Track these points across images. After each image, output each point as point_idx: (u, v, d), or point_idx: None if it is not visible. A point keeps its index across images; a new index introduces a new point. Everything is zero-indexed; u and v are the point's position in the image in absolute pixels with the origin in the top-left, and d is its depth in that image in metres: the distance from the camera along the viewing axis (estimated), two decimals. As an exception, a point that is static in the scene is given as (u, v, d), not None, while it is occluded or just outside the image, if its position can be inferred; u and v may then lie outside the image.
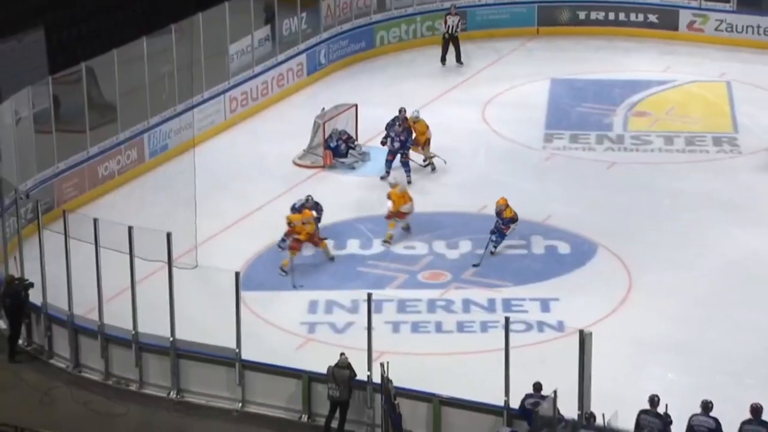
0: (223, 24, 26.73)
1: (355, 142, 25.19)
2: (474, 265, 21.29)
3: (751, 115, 26.82)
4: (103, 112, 24.60)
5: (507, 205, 21.57)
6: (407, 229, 22.33)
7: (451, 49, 29.31)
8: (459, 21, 29.04)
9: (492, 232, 21.54)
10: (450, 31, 28.98)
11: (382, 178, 24.10)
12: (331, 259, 21.57)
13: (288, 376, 17.77)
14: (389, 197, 22.21)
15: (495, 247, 21.56)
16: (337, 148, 24.94)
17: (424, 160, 24.66)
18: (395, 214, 22.11)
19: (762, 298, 20.20)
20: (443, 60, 29.11)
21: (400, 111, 24.44)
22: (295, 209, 21.79)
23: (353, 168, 24.94)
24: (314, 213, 21.50)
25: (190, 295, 19.06)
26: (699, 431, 15.84)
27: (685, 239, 22.01)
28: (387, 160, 24.37)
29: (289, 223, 21.11)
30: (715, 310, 20.01)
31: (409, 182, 23.86)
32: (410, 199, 22.22)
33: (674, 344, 19.09)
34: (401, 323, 19.83)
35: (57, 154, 23.24)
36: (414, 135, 24.35)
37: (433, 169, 24.60)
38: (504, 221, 21.51)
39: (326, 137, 24.96)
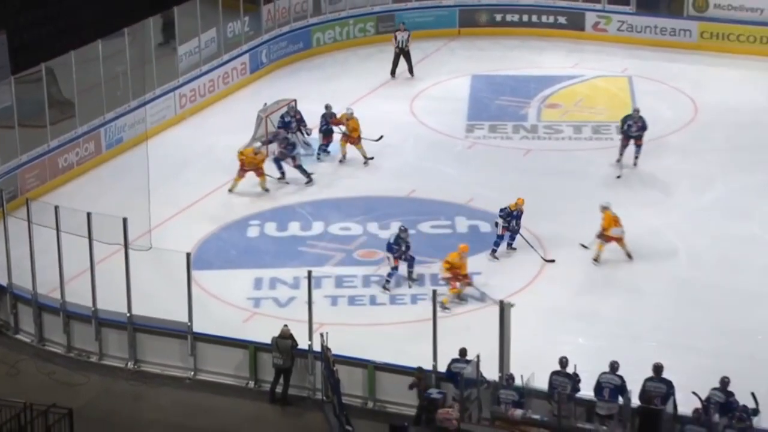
0: (173, 27, 26.41)
1: (306, 126, 24.84)
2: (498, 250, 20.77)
3: (650, 106, 26.81)
4: (63, 108, 24.23)
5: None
6: (629, 256, 20.28)
7: (403, 62, 28.72)
8: (408, 36, 28.39)
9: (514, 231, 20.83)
10: (401, 46, 28.43)
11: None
12: (266, 190, 22.33)
13: (236, 347, 17.64)
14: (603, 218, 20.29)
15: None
16: (289, 124, 24.67)
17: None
18: (603, 236, 20.28)
19: (659, 268, 20.37)
20: (393, 73, 28.50)
21: (326, 107, 24.34)
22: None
23: (297, 150, 24.65)
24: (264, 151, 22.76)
25: (145, 275, 18.80)
26: (606, 387, 15.95)
27: (592, 217, 22.00)
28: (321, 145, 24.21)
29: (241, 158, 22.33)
30: (619, 280, 20.15)
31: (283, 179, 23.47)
32: (620, 224, 20.16)
33: (584, 312, 19.19)
34: (339, 297, 19.74)
35: (20, 147, 22.84)
36: (344, 130, 24.20)
37: (366, 162, 24.46)
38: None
39: (283, 113, 24.63)
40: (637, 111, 23.89)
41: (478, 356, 16.11)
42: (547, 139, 25.80)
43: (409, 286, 19.95)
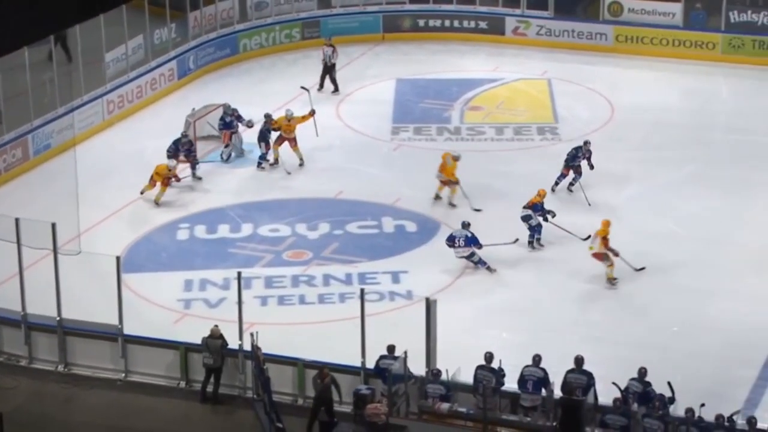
0: (99, 34, 26.10)
1: (245, 120, 24.68)
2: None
3: (569, 108, 27.29)
4: (-11, 115, 23.87)
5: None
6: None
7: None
8: (333, 52, 27.87)
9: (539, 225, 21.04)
10: (326, 61, 28.02)
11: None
12: (157, 204, 22.28)
13: (166, 348, 17.50)
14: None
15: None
16: (230, 124, 24.44)
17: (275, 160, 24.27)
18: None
19: (580, 264, 20.56)
20: (320, 87, 27.88)
21: (265, 116, 24.32)
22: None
23: (230, 157, 24.44)
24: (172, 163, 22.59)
25: (75, 279, 18.54)
26: (529, 380, 16.09)
27: (514, 214, 22.24)
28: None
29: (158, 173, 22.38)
30: (541, 275, 20.33)
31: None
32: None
33: (508, 307, 19.35)
34: (269, 297, 19.66)
35: (-54, 155, 22.45)
36: (279, 133, 24.15)
37: (301, 164, 24.38)
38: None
39: (222, 115, 24.46)
40: (587, 143, 23.19)
41: (405, 352, 16.16)
42: (470, 140, 25.95)
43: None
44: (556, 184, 22.84)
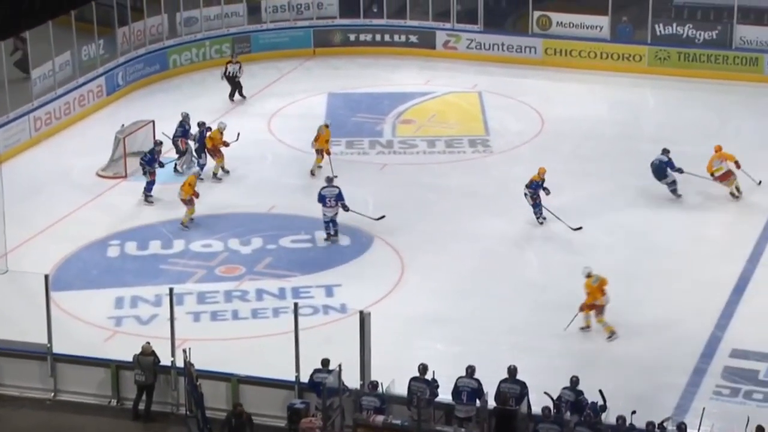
0: (25, 51, 25.80)
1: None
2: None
3: (500, 120, 27.53)
4: None
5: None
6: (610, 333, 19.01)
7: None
8: (240, 68, 28.09)
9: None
10: (230, 75, 27.99)
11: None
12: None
13: (97, 366, 17.29)
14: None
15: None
16: (188, 132, 24.43)
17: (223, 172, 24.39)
18: (589, 307, 18.97)
19: (512, 274, 20.78)
20: (231, 97, 28.17)
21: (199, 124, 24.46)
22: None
23: (180, 173, 24.36)
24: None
25: (2, 298, 18.28)
26: (463, 391, 16.16)
27: (447, 227, 22.43)
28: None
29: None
30: (475, 287, 20.46)
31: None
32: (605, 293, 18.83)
33: (441, 319, 19.42)
34: (201, 313, 19.55)
35: None
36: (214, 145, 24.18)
37: (226, 173, 24.36)
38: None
39: (181, 121, 24.53)
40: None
41: (339, 365, 16.15)
42: (402, 153, 26.07)
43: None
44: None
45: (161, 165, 23.72)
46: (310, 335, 17.62)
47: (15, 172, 23.98)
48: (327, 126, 24.53)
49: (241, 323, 19.30)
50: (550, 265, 21.13)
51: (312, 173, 24.24)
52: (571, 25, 31.05)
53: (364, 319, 16.32)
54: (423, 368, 16.31)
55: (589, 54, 30.73)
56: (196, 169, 23.83)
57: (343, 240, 22.02)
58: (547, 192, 22.23)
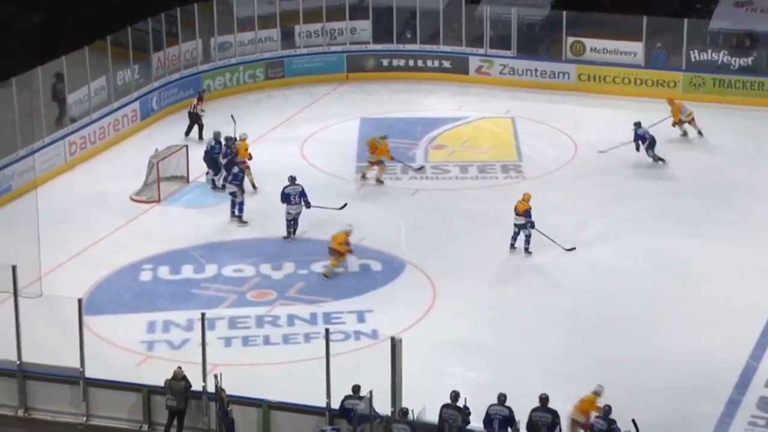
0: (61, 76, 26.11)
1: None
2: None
3: (532, 146, 27.51)
4: (-52, 157, 23.77)
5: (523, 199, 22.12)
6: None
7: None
8: (199, 101, 27.61)
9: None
10: (193, 112, 27.45)
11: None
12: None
13: (129, 390, 17.34)
14: None
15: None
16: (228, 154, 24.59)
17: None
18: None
19: (546, 301, 20.70)
20: (187, 133, 27.42)
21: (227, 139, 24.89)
22: None
23: (219, 188, 24.56)
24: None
25: (36, 322, 18.37)
26: (495, 419, 16.09)
27: (480, 253, 22.40)
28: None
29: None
30: (507, 313, 20.40)
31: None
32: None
33: (473, 345, 19.36)
34: (233, 338, 19.58)
35: None
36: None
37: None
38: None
39: (226, 143, 24.76)
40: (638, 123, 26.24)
41: (370, 392, 16.13)
42: (435, 178, 26.08)
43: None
44: None
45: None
46: (342, 361, 17.61)
47: (50, 196, 24.25)
48: (384, 138, 25.40)
49: (273, 348, 19.33)
50: (582, 291, 21.03)
51: (379, 180, 25.40)
52: (605, 50, 31.02)
53: (395, 345, 16.29)
54: (455, 395, 16.27)
55: (623, 80, 30.67)
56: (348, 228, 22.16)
57: (375, 265, 22.04)
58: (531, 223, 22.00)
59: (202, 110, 27.61)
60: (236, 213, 23.38)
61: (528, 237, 22.08)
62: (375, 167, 25.28)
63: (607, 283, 21.15)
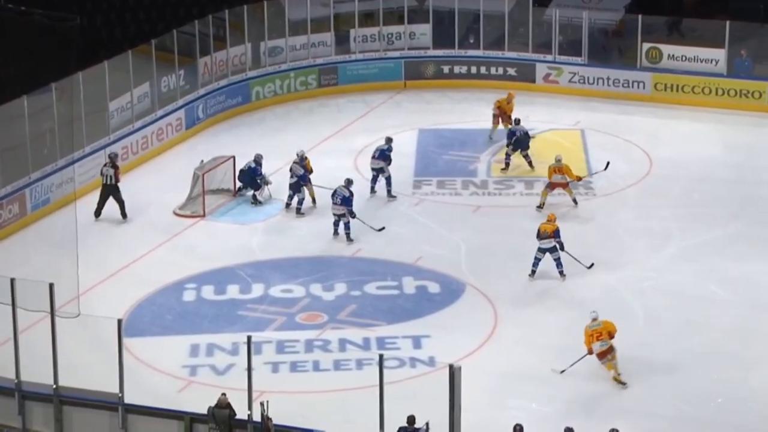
0: (103, 82, 26.46)
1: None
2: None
3: (603, 160, 27.36)
4: (-17, 168, 24.15)
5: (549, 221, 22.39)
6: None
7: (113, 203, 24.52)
8: (116, 171, 24.26)
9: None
10: (107, 182, 24.19)
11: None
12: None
13: (170, 418, 17.47)
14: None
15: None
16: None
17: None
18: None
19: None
20: (97, 213, 24.41)
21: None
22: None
23: (260, 203, 24.91)
24: None
25: (73, 344, 18.67)
26: (562, 455, 16.06)
27: (545, 276, 22.34)
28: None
29: None
30: (573, 342, 20.22)
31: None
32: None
33: (537, 375, 19.28)
34: (280, 363, 19.70)
35: (-61, 209, 22.73)
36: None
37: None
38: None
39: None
40: (517, 120, 26.93)
41: (427, 424, 16.16)
42: (498, 195, 26.07)
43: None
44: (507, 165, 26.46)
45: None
46: (396, 390, 17.63)
47: (89, 210, 24.58)
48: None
49: (323, 375, 19.42)
50: (658, 321, 20.89)
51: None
52: (684, 58, 30.84)
53: (454, 374, 16.27)
54: (519, 429, 16.24)
55: (703, 90, 30.46)
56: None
57: (432, 287, 22.07)
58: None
59: (113, 175, 23.99)
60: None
61: (558, 260, 22.01)
62: (563, 190, 24.83)
63: (685, 312, 20.98)
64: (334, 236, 23.62)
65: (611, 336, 18.94)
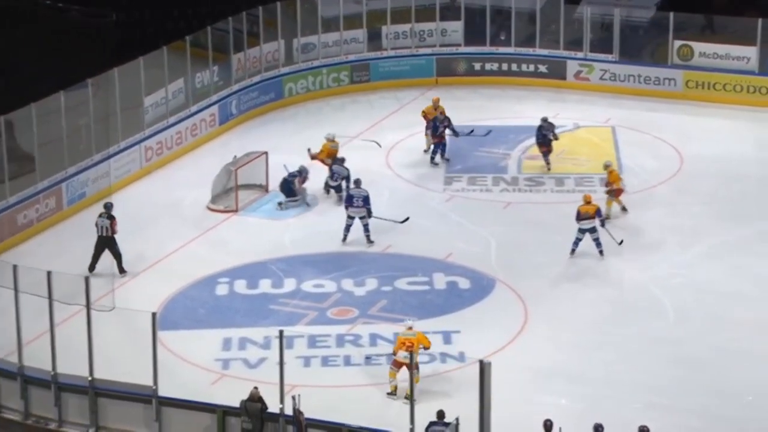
0: (138, 78, 26.58)
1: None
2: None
3: (634, 157, 27.29)
4: (22, 163, 24.27)
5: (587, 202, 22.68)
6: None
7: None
8: (112, 223, 21.88)
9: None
10: (102, 234, 21.91)
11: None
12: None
13: (203, 411, 17.55)
14: None
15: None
16: (303, 171, 25.02)
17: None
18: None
19: (645, 326, 20.49)
20: (91, 268, 21.82)
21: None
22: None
23: (308, 204, 24.98)
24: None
25: (108, 337, 18.76)
26: (591, 451, 16.02)
27: (576, 272, 22.30)
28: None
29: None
30: (604, 338, 20.24)
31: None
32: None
33: (567, 371, 19.25)
34: (312, 358, 19.75)
35: (-23, 204, 22.92)
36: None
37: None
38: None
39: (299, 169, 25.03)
40: (545, 119, 26.31)
41: (457, 419, 16.15)
42: (528, 191, 26.01)
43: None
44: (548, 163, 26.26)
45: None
46: (426, 385, 17.69)
47: (125, 204, 24.66)
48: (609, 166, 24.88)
49: (354, 370, 19.45)
50: (688, 316, 20.80)
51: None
52: (716, 55, 30.65)
53: (484, 369, 16.24)
54: (548, 425, 16.20)
55: (734, 87, 30.26)
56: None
57: (463, 282, 22.06)
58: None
59: (109, 227, 21.85)
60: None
61: (597, 240, 22.44)
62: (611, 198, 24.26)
63: (715, 308, 20.87)
64: (344, 242, 23.27)
65: (426, 348, 18.46)
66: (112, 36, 29.51)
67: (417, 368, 17.91)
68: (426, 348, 18.53)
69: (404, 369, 18.08)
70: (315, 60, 31.28)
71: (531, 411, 17.49)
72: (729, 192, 25.59)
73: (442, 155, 26.92)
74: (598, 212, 22.50)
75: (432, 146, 27.08)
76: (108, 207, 22.10)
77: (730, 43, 30.59)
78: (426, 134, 27.43)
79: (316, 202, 25.15)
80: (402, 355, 18.22)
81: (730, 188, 25.75)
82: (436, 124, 26.86)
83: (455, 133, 27.18)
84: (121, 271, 21.90)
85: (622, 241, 22.67)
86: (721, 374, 19.10)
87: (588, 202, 22.60)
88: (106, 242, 21.84)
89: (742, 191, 25.59)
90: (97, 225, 22.09)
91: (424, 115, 27.42)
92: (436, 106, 27.30)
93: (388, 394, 18.40)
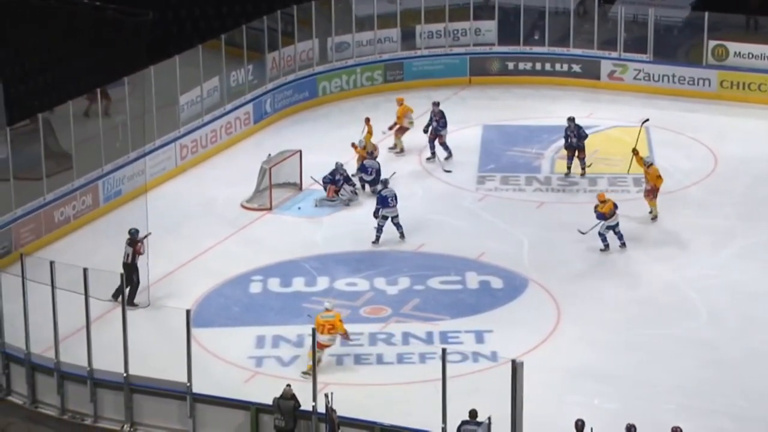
0: (174, 76, 26.72)
1: (351, 181, 25.39)
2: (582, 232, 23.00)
3: (668, 158, 27.13)
4: (59, 160, 24.46)
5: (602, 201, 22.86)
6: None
7: None
8: (134, 250, 20.93)
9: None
10: (125, 260, 20.68)
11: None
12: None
13: (236, 408, 17.68)
14: None
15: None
16: (337, 181, 25.06)
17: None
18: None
19: (678, 327, 20.42)
20: (117, 294, 19.73)
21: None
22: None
23: (347, 204, 25.01)
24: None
25: (143, 333, 18.93)
26: (623, 452, 15.98)
27: (608, 273, 22.26)
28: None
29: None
30: (636, 339, 20.18)
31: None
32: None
33: (599, 372, 19.21)
34: (344, 356, 19.79)
35: (15, 201, 23.04)
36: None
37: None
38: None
39: (331, 172, 25.06)
40: (572, 120, 25.98)
41: (489, 418, 16.16)
42: (562, 191, 25.95)
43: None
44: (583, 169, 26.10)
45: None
46: (459, 384, 17.65)
47: (160, 202, 24.87)
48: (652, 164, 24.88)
49: (386, 368, 19.50)
50: (720, 318, 20.70)
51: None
52: (751, 55, 30.45)
53: (516, 369, 16.26)
54: (580, 425, 16.20)
55: (770, 88, 30.10)
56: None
57: (495, 282, 22.05)
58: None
59: (131, 255, 20.91)
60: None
61: (620, 233, 22.78)
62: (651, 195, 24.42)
63: (748, 310, 20.77)
64: (374, 244, 23.23)
65: (343, 335, 19.12)
66: (149, 34, 29.67)
67: (348, 337, 19.03)
68: (343, 335, 19.02)
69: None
70: (349, 59, 31.32)
71: (562, 411, 17.48)
72: (763, 193, 25.42)
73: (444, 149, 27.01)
74: (616, 206, 22.74)
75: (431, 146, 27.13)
76: (132, 233, 21.09)
77: (765, 44, 30.37)
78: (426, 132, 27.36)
79: (356, 198, 25.12)
80: (326, 339, 18.69)
81: (765, 189, 25.57)
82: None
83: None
84: (132, 302, 20.36)
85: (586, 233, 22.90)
86: (753, 376, 19.01)
87: (603, 201, 22.76)
88: (127, 269, 20.67)
89: (776, 192, 25.46)
90: (126, 251, 21.05)
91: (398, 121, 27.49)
92: (400, 104, 27.60)
93: (303, 373, 18.68)
